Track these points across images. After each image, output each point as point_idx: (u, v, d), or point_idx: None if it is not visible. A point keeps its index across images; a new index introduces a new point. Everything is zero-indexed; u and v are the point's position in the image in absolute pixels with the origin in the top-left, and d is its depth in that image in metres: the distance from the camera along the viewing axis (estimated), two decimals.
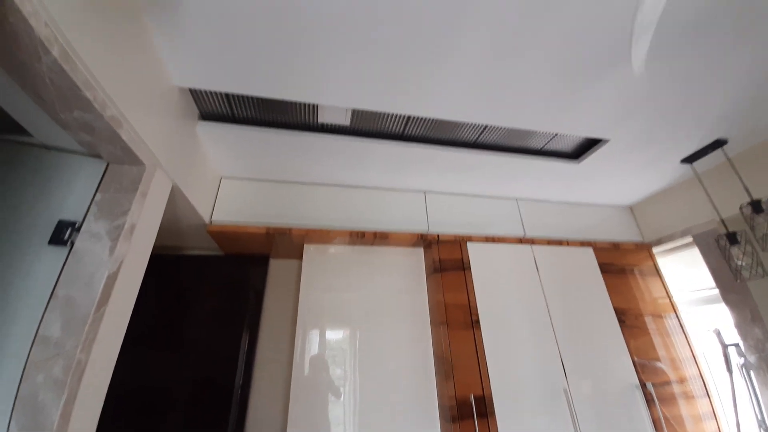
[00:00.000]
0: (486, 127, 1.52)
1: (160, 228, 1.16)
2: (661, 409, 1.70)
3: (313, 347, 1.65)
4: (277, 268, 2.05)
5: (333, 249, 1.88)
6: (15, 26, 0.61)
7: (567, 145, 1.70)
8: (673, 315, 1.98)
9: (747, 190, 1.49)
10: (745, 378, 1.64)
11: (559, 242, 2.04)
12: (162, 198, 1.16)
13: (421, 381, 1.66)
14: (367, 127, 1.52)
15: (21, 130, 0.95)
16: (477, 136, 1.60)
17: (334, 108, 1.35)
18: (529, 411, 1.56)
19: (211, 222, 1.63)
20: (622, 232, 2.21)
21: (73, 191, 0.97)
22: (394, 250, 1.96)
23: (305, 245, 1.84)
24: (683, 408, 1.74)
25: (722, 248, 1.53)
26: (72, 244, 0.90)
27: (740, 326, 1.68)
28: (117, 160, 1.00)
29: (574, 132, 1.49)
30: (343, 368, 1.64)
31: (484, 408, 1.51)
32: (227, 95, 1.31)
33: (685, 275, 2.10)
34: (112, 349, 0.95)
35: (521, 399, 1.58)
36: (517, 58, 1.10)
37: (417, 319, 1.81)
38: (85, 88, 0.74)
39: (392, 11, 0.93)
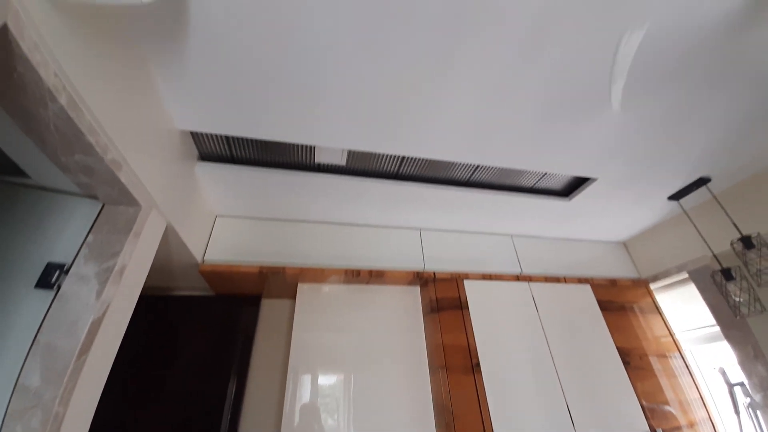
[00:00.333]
0: (478, 166, 1.56)
1: (150, 268, 1.14)
2: None
3: (305, 394, 1.56)
4: (269, 308, 1.99)
5: (327, 288, 1.84)
6: (23, 76, 0.62)
7: (557, 183, 1.75)
8: (677, 354, 1.93)
9: (736, 226, 1.51)
10: (752, 418, 1.57)
11: (557, 279, 2.03)
12: (155, 238, 1.15)
13: None
14: (363, 166, 1.56)
15: (19, 172, 0.96)
16: (470, 174, 1.64)
17: (331, 149, 1.39)
18: None
19: (203, 261, 1.60)
20: (618, 268, 2.20)
21: (66, 232, 0.96)
22: (390, 288, 1.92)
23: (299, 284, 1.81)
24: None
25: (719, 284, 1.52)
26: (59, 287, 0.87)
27: (744, 364, 1.63)
28: (113, 201, 1.01)
29: (562, 171, 1.54)
30: (336, 418, 1.53)
31: None
32: (227, 137, 1.35)
33: (684, 312, 2.07)
34: (91, 401, 0.89)
35: None
36: (503, 105, 1.16)
37: (415, 362, 1.73)
38: (89, 133, 0.76)
39: (386, 67, 1.00)
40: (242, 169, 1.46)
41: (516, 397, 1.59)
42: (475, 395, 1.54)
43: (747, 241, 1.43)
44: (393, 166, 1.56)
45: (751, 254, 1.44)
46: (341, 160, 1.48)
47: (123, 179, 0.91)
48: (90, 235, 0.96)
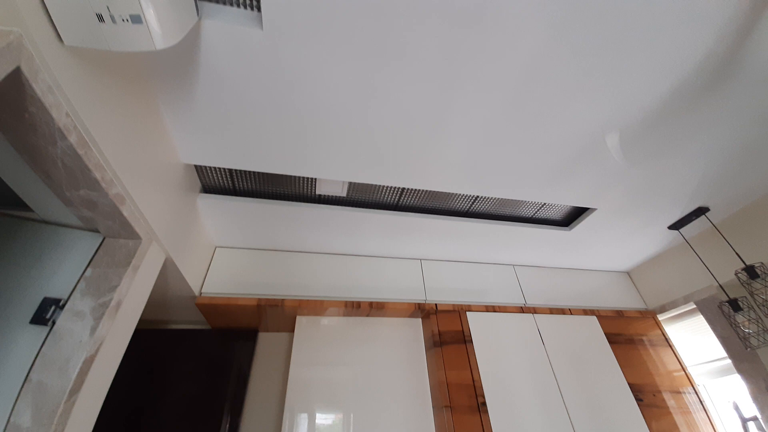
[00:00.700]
0: (477, 197, 1.58)
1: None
2: None
3: None
4: (265, 342, 1.93)
5: (326, 321, 1.79)
6: (35, 116, 0.63)
7: (557, 213, 1.76)
8: (690, 389, 1.85)
9: (738, 255, 1.50)
10: None
11: (562, 311, 1.98)
12: (153, 271, 1.13)
13: None
14: (363, 198, 1.57)
15: (22, 205, 0.97)
16: (469, 205, 1.66)
17: (331, 181, 1.41)
18: None
19: (200, 294, 1.57)
20: (624, 299, 2.16)
21: (64, 266, 0.95)
22: (391, 321, 1.87)
23: (297, 317, 1.76)
24: None
25: (727, 315, 1.49)
26: (53, 323, 0.85)
27: (756, 397, 1.57)
28: (114, 234, 1.01)
29: (561, 201, 1.56)
30: None
31: None
32: (230, 169, 1.37)
33: (693, 343, 2.01)
34: None
35: None
36: (501, 144, 1.21)
37: (417, 400, 1.65)
38: (95, 169, 0.77)
39: (385, 108, 1.03)
40: (244, 200, 1.48)
41: None
42: None
43: (751, 271, 1.42)
44: (393, 197, 1.57)
45: (757, 284, 1.42)
46: (342, 192, 1.50)
47: (125, 212, 0.91)
48: (89, 269, 0.95)
